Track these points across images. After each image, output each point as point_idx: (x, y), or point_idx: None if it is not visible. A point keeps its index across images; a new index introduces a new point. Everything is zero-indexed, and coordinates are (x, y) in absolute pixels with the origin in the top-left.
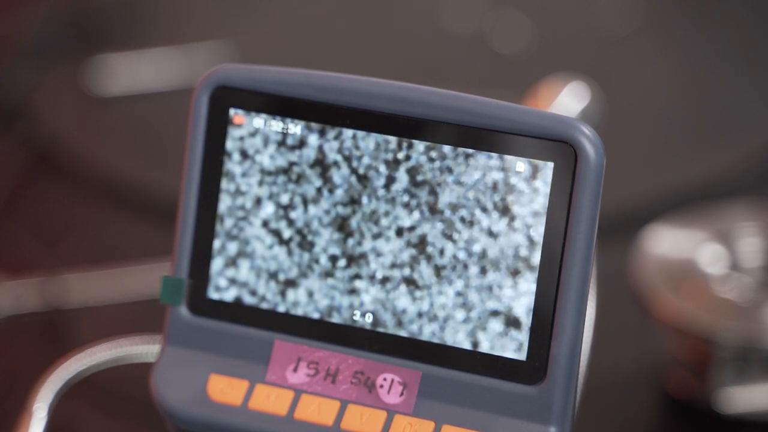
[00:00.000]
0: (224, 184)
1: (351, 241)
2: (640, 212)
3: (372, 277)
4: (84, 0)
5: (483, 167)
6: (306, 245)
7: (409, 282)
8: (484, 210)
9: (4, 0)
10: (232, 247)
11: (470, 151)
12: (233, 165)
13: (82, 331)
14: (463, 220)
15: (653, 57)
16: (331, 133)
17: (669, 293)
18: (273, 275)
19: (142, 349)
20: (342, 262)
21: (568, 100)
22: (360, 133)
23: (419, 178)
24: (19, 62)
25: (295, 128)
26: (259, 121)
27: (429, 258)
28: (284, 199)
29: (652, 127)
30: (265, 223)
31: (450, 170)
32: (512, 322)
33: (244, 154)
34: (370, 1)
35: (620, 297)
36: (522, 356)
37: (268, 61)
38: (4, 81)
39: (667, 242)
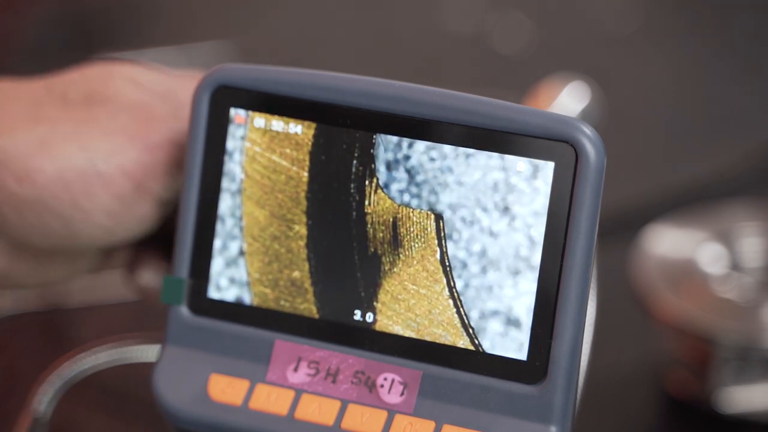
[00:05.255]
0: (224, 183)
1: (351, 241)
2: (640, 212)
3: (372, 277)
4: (84, 0)
5: (483, 167)
6: (306, 244)
7: (410, 281)
8: (485, 210)
9: (4, 0)
10: (233, 247)
11: (471, 150)
12: (234, 165)
13: (82, 331)
14: (463, 219)
15: (653, 57)
16: (332, 132)
17: (669, 293)
18: (273, 275)
19: (142, 349)
20: (343, 262)
21: (568, 100)
22: (360, 133)
23: (420, 177)
24: (19, 62)
25: (296, 128)
26: (259, 120)
27: (429, 258)
28: (285, 198)
29: (652, 127)
30: (265, 223)
31: (451, 170)
32: (513, 322)
33: (245, 154)
34: (371, 1)
35: (620, 297)
36: (522, 356)
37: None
38: None
39: (667, 242)
